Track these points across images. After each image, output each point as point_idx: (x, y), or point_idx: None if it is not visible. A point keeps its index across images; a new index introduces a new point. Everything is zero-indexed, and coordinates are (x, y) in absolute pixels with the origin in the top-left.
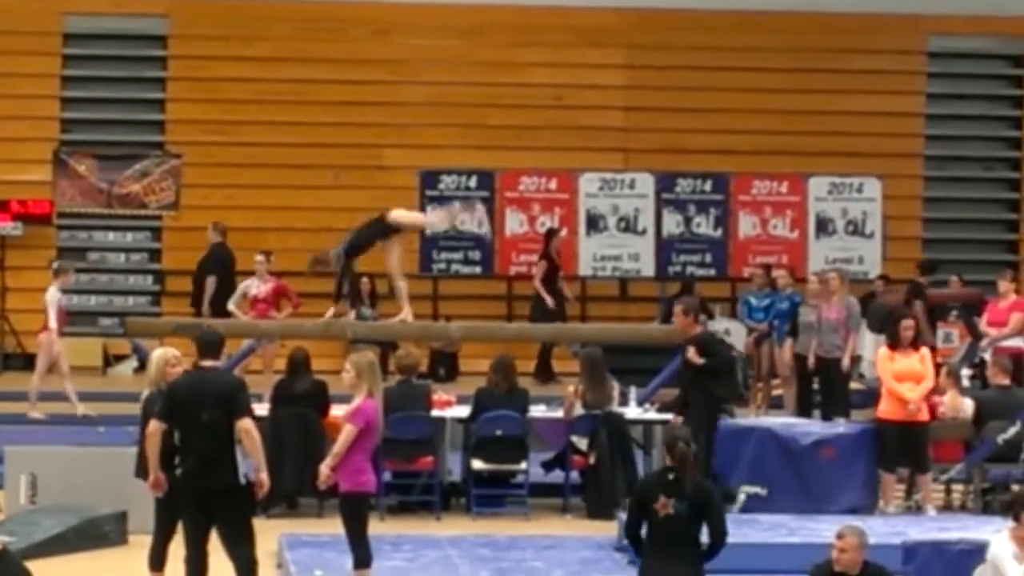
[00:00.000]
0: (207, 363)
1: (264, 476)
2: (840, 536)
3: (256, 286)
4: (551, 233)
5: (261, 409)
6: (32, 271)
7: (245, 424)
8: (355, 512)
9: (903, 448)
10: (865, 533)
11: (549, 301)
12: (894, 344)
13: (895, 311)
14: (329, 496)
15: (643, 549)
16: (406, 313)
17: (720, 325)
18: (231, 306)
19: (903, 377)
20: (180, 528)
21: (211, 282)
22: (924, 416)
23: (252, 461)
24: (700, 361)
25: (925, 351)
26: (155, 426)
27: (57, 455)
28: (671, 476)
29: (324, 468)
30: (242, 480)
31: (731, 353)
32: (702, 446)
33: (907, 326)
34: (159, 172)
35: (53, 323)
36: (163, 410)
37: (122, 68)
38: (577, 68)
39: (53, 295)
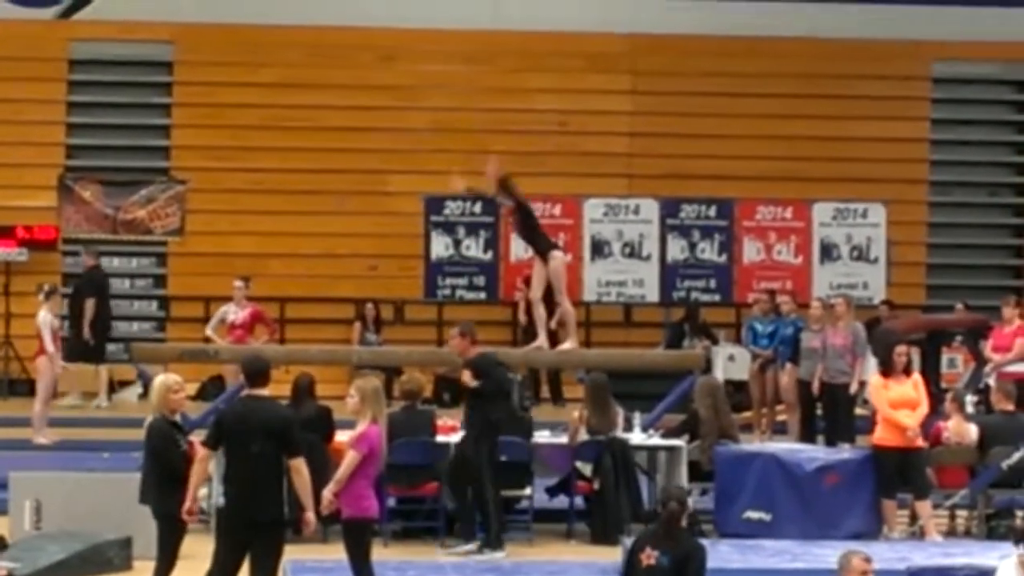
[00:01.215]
0: (256, 392)
1: (311, 516)
2: (868, 560)
3: (233, 312)
4: None
5: None
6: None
7: (296, 463)
8: (358, 538)
9: (901, 474)
10: None
11: (521, 320)
12: (887, 372)
13: (888, 338)
14: (333, 522)
15: None
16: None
17: (725, 351)
18: (209, 331)
19: (898, 404)
20: (184, 554)
21: (90, 304)
22: (920, 442)
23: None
24: (474, 384)
25: (917, 377)
26: (204, 453)
27: (62, 481)
28: (660, 530)
29: (327, 494)
30: (287, 512)
31: (508, 376)
32: (478, 467)
33: (900, 352)
34: (164, 198)
35: (50, 346)
36: (211, 437)
37: (128, 94)
38: (582, 94)
39: (44, 318)
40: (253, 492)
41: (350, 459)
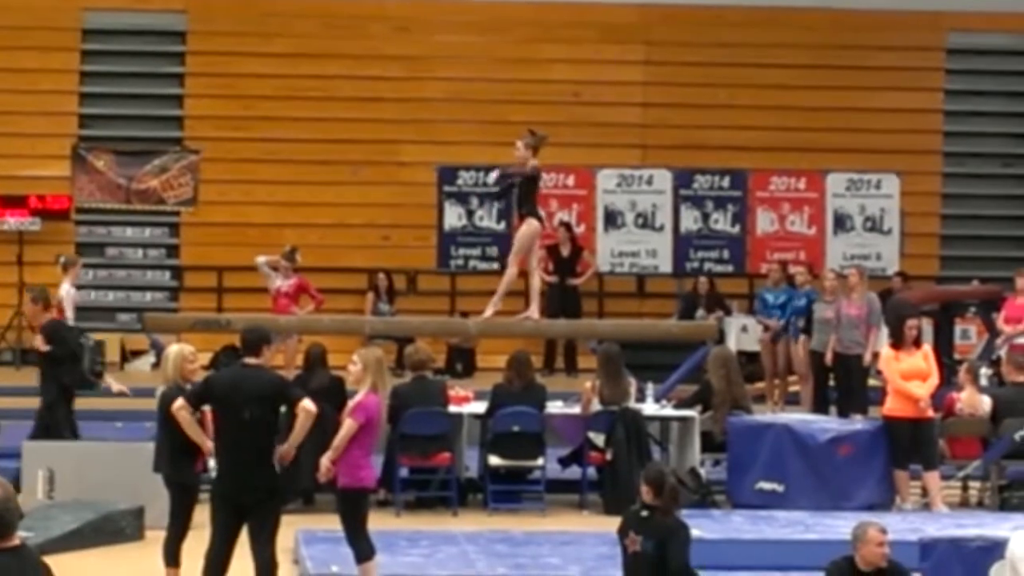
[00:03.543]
0: (249, 360)
1: (286, 449)
2: (884, 531)
3: (280, 279)
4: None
5: None
6: (50, 267)
7: (304, 404)
8: (353, 508)
9: (913, 445)
10: None
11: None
12: (897, 344)
13: (901, 310)
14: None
15: None
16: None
17: (737, 321)
18: (260, 260)
19: (909, 376)
20: (196, 523)
21: None
22: (931, 413)
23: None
24: (45, 348)
25: (927, 348)
26: (180, 402)
27: (74, 450)
28: (644, 513)
29: (324, 461)
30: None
31: (80, 341)
32: (57, 430)
33: (912, 325)
34: (177, 168)
35: (71, 319)
36: (193, 396)
37: (141, 64)
38: (596, 64)
39: (67, 291)
40: (246, 460)
41: (347, 428)
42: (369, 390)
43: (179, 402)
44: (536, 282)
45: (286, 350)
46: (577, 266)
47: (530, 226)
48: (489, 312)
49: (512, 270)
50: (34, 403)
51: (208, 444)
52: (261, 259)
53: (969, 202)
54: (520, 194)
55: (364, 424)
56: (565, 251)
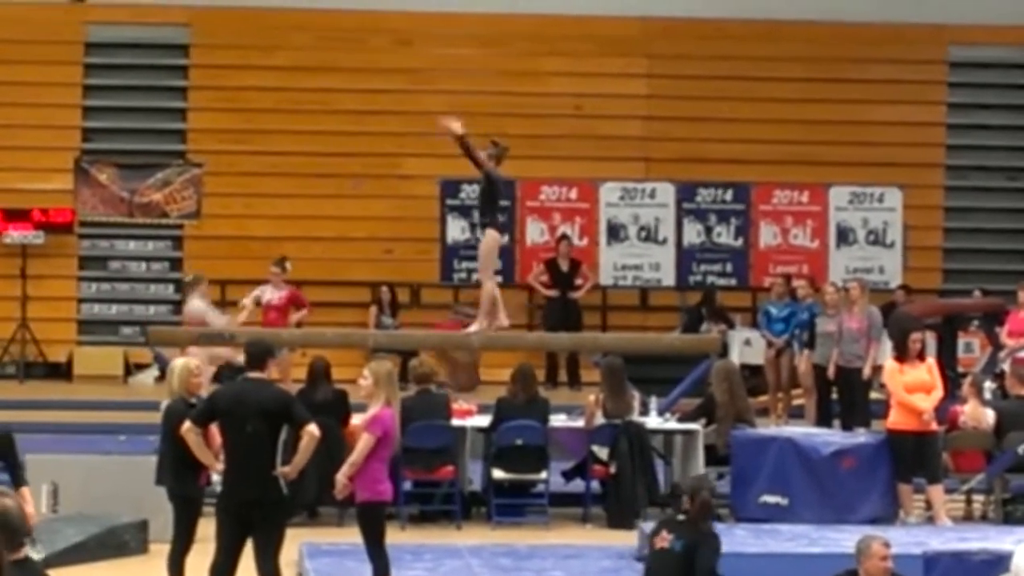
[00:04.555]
0: (253, 374)
1: (287, 469)
2: (887, 545)
3: (270, 292)
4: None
5: None
6: (53, 280)
7: (309, 428)
8: (373, 521)
9: (916, 458)
10: None
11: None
12: (901, 357)
13: (905, 323)
14: (349, 505)
15: None
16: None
17: (741, 335)
18: (244, 303)
19: (913, 388)
20: (200, 537)
21: None
22: (935, 426)
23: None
24: None
25: (931, 362)
26: (188, 425)
27: (78, 464)
28: (680, 517)
29: (341, 477)
30: (285, 491)
31: None
32: None
33: (916, 339)
34: (180, 181)
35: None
36: (200, 415)
37: (144, 77)
38: (598, 77)
39: (196, 306)
40: (249, 473)
41: (364, 442)
42: (383, 404)
43: (187, 424)
44: (491, 288)
45: (280, 363)
46: (577, 279)
47: (490, 238)
48: (473, 328)
49: (488, 285)
50: (37, 416)
51: (218, 465)
52: (247, 299)
53: (972, 215)
54: (480, 204)
55: (381, 437)
56: (564, 265)
